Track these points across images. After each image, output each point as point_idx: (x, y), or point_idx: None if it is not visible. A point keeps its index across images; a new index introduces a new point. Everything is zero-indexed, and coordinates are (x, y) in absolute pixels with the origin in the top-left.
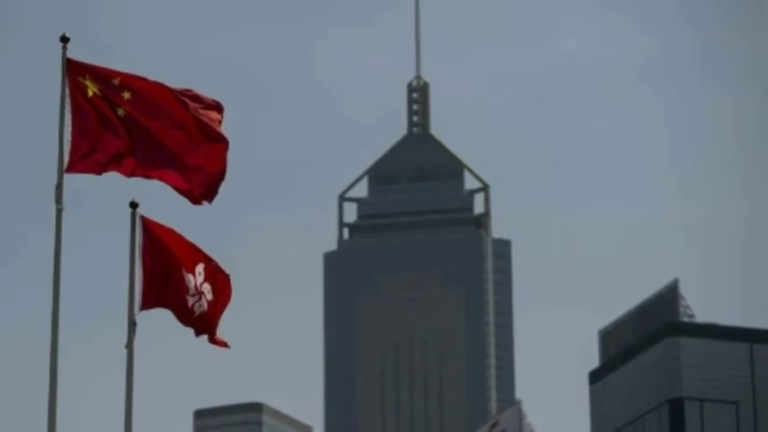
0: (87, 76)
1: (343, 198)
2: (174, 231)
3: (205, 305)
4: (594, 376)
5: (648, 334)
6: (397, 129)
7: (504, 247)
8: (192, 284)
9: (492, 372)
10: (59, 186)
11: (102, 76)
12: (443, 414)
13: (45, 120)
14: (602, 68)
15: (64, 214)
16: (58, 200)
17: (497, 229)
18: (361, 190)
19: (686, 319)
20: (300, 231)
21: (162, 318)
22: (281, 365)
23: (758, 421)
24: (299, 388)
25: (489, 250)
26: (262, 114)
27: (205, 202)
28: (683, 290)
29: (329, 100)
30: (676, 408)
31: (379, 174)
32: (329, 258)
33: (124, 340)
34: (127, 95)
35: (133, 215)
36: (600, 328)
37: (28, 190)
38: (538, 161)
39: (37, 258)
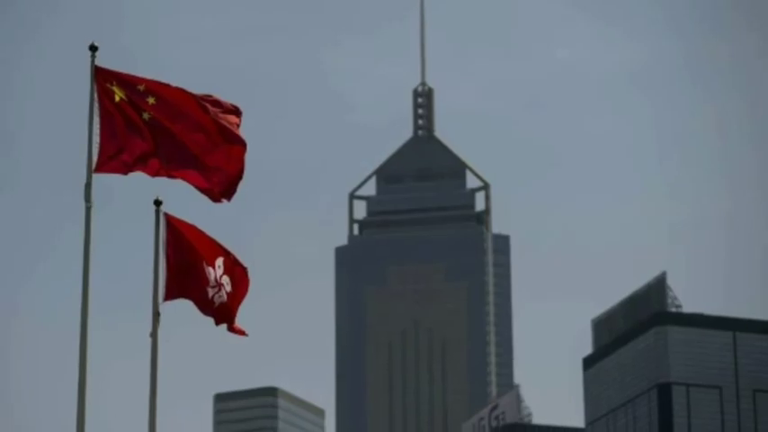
0: (114, 83)
1: (353, 196)
2: (195, 227)
3: (224, 296)
4: (588, 362)
5: (638, 323)
6: (403, 132)
7: (503, 242)
8: (212, 277)
9: (492, 358)
10: (88, 185)
11: (128, 82)
12: (446, 397)
13: (75, 123)
14: (595, 75)
15: (93, 211)
16: (88, 198)
17: (497, 226)
18: (370, 189)
19: (674, 310)
20: (313, 227)
21: (184, 308)
22: (296, 353)
23: (740, 404)
24: (312, 373)
25: (490, 245)
26: (277, 118)
27: (224, 200)
28: (671, 282)
29: (340, 105)
30: (664, 392)
31: (387, 173)
32: (340, 252)
33: (149, 329)
34: (151, 100)
35: (157, 212)
36: (593, 317)
37: (59, 188)
38: (535, 162)
39: (67, 252)
